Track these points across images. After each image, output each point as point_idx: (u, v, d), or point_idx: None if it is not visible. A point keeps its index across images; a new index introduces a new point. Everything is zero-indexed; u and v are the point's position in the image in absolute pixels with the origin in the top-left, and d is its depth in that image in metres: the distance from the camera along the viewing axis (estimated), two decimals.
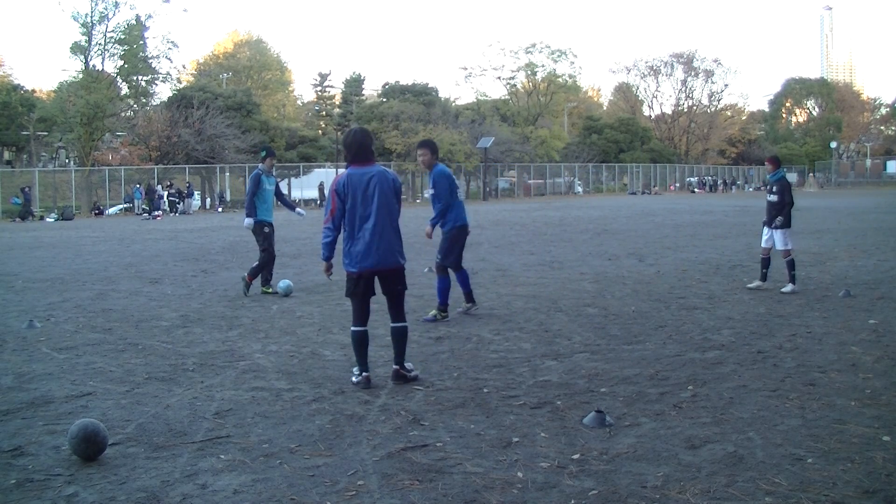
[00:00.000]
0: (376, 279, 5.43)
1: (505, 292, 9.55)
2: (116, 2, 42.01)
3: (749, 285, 9.70)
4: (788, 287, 9.33)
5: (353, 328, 5.46)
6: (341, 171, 5.66)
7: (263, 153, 9.92)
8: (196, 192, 43.39)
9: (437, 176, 7.72)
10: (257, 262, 9.78)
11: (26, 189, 35.50)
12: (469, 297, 8.14)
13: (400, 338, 5.47)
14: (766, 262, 9.65)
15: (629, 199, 49.41)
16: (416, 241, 17.66)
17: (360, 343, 5.39)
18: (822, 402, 4.84)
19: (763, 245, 9.74)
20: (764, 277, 9.64)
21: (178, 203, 38.75)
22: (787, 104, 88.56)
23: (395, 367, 5.47)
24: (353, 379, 5.47)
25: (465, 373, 5.67)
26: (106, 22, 42.33)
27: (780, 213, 9.43)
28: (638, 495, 3.48)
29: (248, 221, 9.73)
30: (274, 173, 10.16)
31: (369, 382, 5.38)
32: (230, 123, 44.38)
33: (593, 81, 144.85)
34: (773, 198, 9.55)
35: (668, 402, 4.89)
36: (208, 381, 5.53)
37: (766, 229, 9.69)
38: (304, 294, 9.60)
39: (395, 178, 5.52)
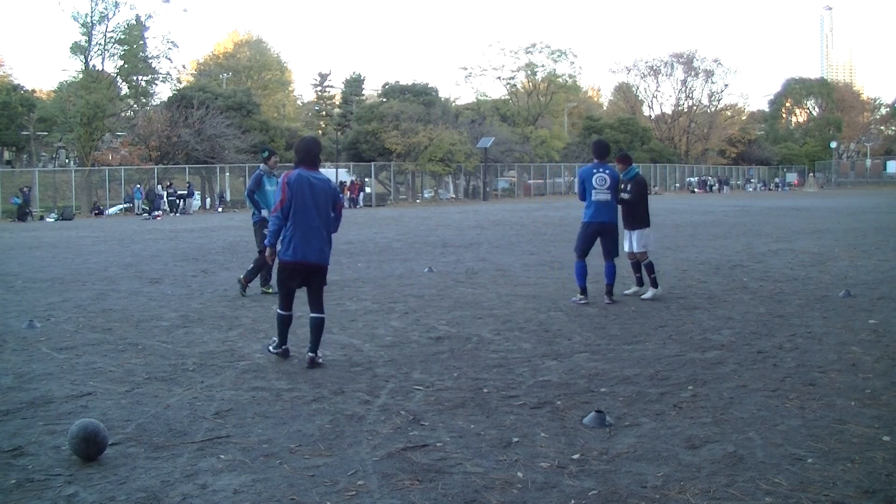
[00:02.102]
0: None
1: (505, 292, 9.54)
2: (116, 2, 42.06)
3: (625, 291, 9.06)
4: (650, 293, 8.78)
5: (279, 311, 6.06)
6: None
7: (266, 153, 9.82)
8: (196, 192, 43.38)
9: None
10: (252, 265, 9.73)
11: (26, 189, 35.45)
12: (608, 289, 8.61)
13: (317, 328, 5.95)
14: (637, 267, 9.07)
15: None
16: (416, 242, 17.66)
17: (285, 324, 6.07)
18: (822, 402, 4.84)
19: (626, 250, 8.98)
20: (640, 282, 9.08)
21: (180, 203, 38.75)
22: (787, 104, 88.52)
23: (309, 354, 5.91)
24: (271, 347, 6.14)
25: (465, 373, 5.67)
26: (106, 22, 42.38)
27: (636, 211, 8.87)
28: (638, 495, 3.48)
29: (265, 212, 9.42)
30: (276, 173, 9.89)
31: (287, 354, 6.07)
32: (230, 123, 44.35)
33: (593, 81, 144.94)
34: (627, 196, 8.80)
35: (668, 402, 4.89)
36: (208, 381, 5.54)
37: (626, 232, 8.98)
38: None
39: (335, 187, 6.11)
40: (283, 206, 5.80)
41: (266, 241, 6.11)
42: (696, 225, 21.64)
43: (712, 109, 76.71)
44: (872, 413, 4.59)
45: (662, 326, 7.32)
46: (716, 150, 75.76)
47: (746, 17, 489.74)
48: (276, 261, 6.14)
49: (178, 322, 7.87)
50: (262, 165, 9.73)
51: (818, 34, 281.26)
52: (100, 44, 42.45)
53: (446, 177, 53.11)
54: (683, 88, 75.54)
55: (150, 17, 43.57)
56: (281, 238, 5.89)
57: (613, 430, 4.36)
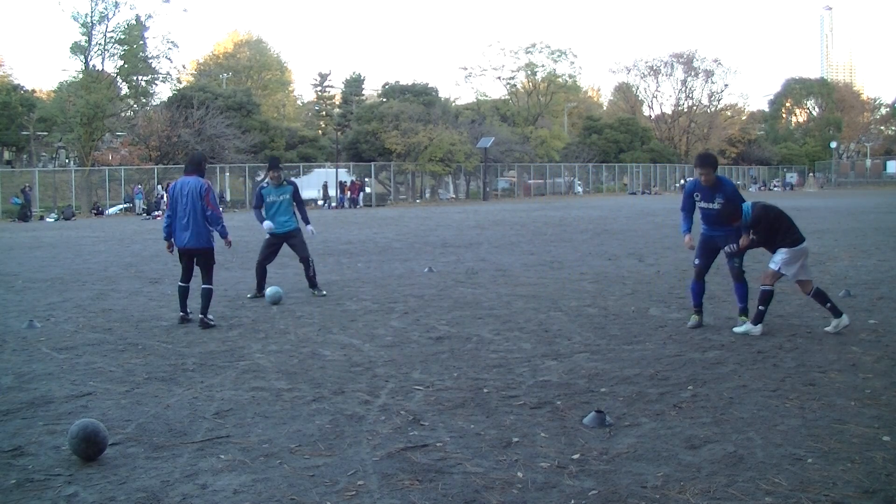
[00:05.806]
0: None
1: (505, 292, 9.54)
2: (116, 2, 42.07)
3: (826, 328, 6.93)
4: (833, 324, 6.85)
5: (179, 283, 7.83)
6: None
7: (268, 165, 9.85)
8: None
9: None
10: (304, 269, 9.63)
11: (27, 189, 35.42)
12: (742, 311, 7.22)
13: (205, 296, 7.57)
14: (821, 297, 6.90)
15: (629, 199, 49.39)
16: (416, 242, 17.65)
17: (183, 294, 7.77)
18: (822, 402, 4.84)
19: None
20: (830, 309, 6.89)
21: None
22: (787, 104, 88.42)
23: (199, 316, 7.51)
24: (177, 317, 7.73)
25: (465, 373, 5.67)
26: (106, 22, 42.41)
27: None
28: (638, 495, 3.48)
29: (268, 224, 9.42)
30: (285, 183, 9.58)
31: (182, 321, 7.63)
32: (230, 123, 44.32)
33: (593, 81, 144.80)
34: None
35: (668, 402, 4.89)
36: (208, 381, 5.54)
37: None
38: (304, 294, 9.60)
39: (202, 185, 7.62)
40: (168, 207, 7.72)
41: (163, 237, 7.80)
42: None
43: (712, 109, 76.65)
44: (872, 413, 4.59)
45: (662, 326, 7.32)
46: (716, 151, 75.67)
47: (746, 17, 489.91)
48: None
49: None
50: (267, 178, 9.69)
51: (818, 34, 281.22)
52: (100, 44, 42.52)
53: (446, 177, 53.09)
54: (683, 88, 75.49)
55: (150, 17, 43.64)
56: (174, 231, 7.66)
57: (613, 430, 4.36)
